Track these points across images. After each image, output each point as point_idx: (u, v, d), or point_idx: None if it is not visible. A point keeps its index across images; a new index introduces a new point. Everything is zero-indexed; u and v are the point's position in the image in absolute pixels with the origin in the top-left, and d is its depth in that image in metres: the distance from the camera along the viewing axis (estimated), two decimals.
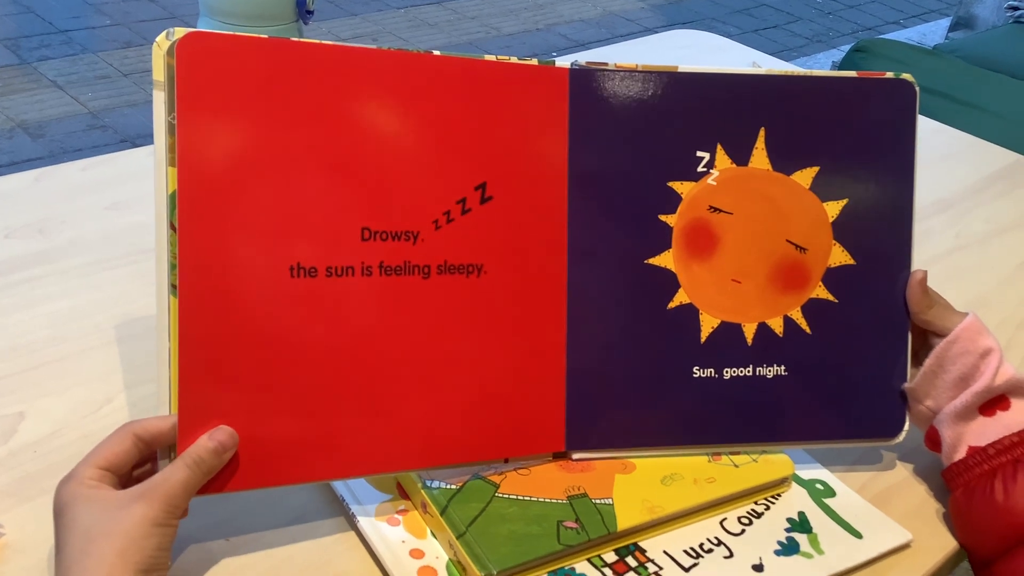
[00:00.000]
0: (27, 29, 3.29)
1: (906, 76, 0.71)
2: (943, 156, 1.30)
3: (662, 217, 0.68)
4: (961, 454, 0.67)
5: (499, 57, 0.65)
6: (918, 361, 0.70)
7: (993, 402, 0.68)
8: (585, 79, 0.67)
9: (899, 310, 0.71)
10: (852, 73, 0.71)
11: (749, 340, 0.69)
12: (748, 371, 0.69)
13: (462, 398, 0.64)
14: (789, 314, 0.70)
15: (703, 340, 0.69)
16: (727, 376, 0.69)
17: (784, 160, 0.69)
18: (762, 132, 0.69)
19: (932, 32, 4.38)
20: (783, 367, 0.70)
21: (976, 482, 0.66)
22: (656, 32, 1.73)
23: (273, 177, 0.58)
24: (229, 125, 0.57)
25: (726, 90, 0.69)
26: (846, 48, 2.71)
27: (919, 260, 0.71)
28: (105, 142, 2.67)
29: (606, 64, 0.67)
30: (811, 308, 0.70)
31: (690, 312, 0.69)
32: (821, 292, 0.70)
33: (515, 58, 0.65)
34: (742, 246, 0.69)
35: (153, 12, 3.54)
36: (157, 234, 0.57)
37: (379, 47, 0.61)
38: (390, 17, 3.85)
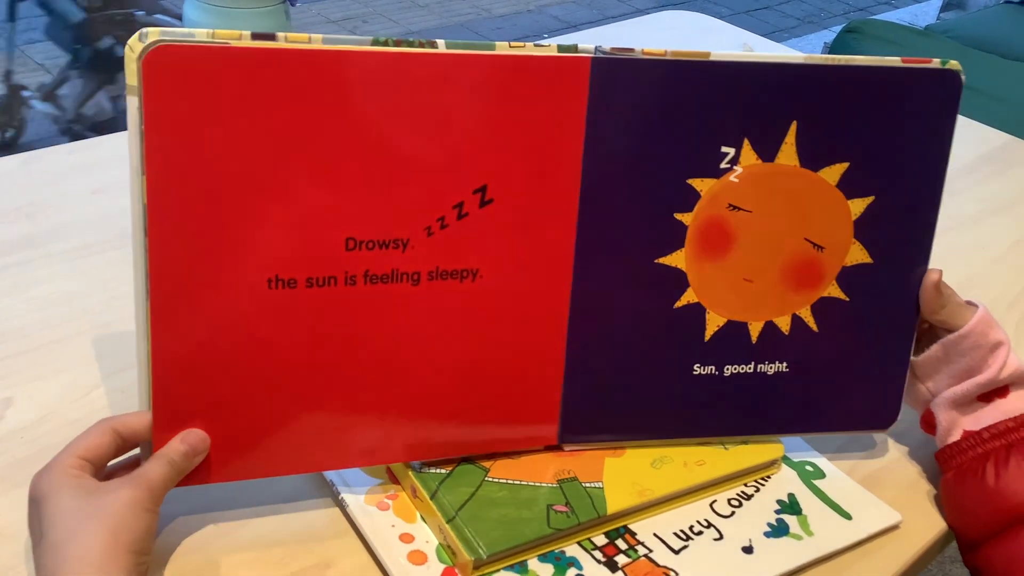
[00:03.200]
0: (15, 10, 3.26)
1: (953, 64, 0.64)
2: None
3: (678, 215, 0.64)
4: (955, 437, 0.68)
5: (512, 44, 0.58)
6: (919, 346, 0.69)
7: (993, 392, 0.68)
8: (608, 68, 0.60)
9: (909, 307, 0.68)
10: (896, 60, 0.64)
11: (753, 338, 0.67)
12: (749, 368, 0.68)
13: (452, 400, 0.63)
14: (798, 312, 0.68)
15: (707, 339, 0.67)
16: (727, 373, 0.68)
17: (813, 156, 0.64)
18: (793, 126, 0.63)
19: (923, 12, 4.38)
20: (785, 364, 0.68)
21: (968, 465, 0.66)
22: (647, 13, 1.72)
23: (250, 189, 0.55)
24: (200, 137, 0.54)
25: (760, 80, 0.62)
26: (838, 29, 2.70)
27: None
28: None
29: (632, 50, 0.61)
30: (821, 306, 0.67)
31: (696, 311, 0.66)
32: (834, 291, 0.67)
33: (531, 45, 0.58)
34: (757, 245, 0.66)
35: None
36: (134, 240, 0.55)
37: (366, 43, 0.55)
38: None
